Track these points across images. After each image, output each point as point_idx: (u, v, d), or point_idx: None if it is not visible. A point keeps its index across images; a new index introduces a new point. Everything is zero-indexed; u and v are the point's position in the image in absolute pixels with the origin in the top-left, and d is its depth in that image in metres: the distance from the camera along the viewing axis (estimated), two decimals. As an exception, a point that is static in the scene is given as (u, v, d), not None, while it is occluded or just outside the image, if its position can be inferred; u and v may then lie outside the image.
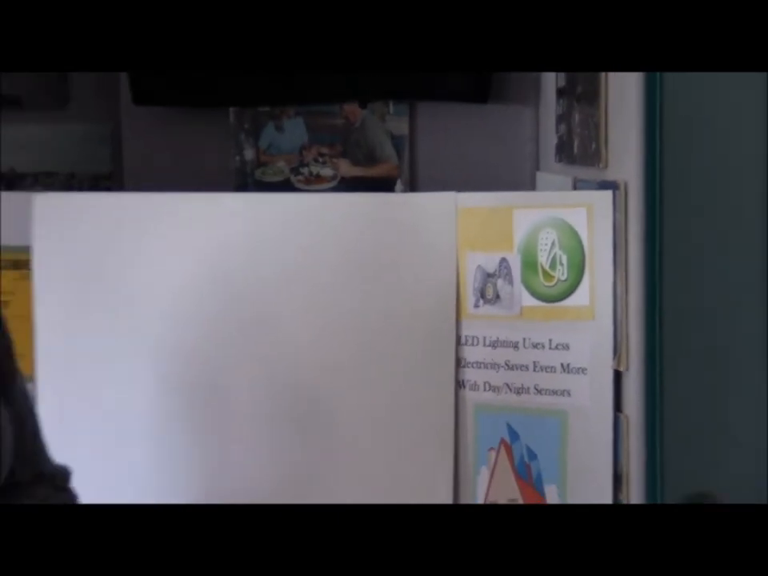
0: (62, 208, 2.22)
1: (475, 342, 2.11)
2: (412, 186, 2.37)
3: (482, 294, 2.09)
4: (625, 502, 1.99)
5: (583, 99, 2.06)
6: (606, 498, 1.99)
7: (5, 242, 2.20)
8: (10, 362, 1.70)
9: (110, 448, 2.17)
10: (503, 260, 2.07)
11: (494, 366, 2.09)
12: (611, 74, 1.97)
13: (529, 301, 2.06)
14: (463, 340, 2.11)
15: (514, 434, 2.09)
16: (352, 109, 2.37)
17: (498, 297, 2.08)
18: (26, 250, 2.19)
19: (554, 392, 2.04)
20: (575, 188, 2.09)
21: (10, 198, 2.27)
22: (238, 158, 2.39)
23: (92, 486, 1.91)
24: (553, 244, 2.03)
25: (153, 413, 2.18)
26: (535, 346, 2.06)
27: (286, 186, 2.38)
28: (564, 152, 2.18)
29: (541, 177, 2.29)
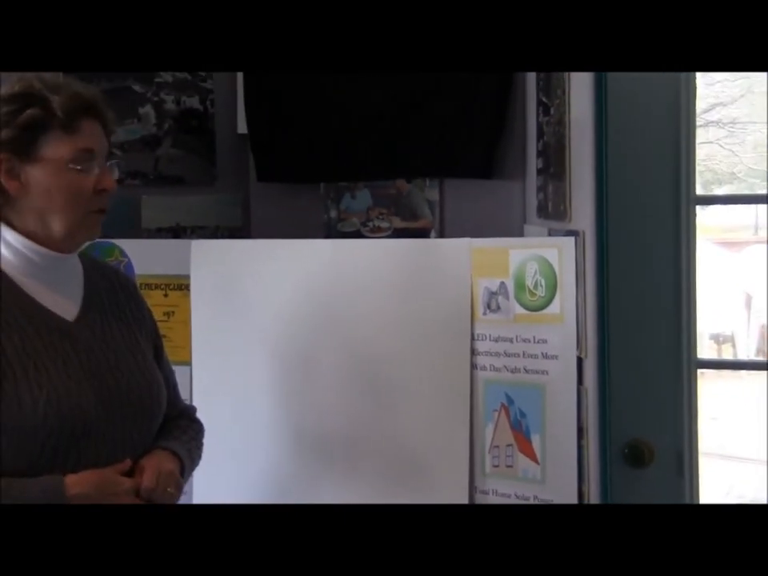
0: (210, 249, 2.24)
1: (484, 338, 2.08)
2: (441, 234, 2.35)
3: (488, 306, 2.07)
4: (585, 446, 1.94)
5: (555, 176, 2.05)
6: (572, 443, 1.97)
7: (173, 272, 2.23)
8: (158, 339, 1.77)
9: (241, 401, 2.19)
10: (502, 283, 2.06)
11: (497, 354, 2.07)
12: (573, 160, 1.94)
13: (519, 310, 2.04)
14: (476, 336, 2.08)
15: (510, 400, 2.06)
16: (401, 183, 2.36)
17: (498, 307, 2.07)
18: (186, 277, 2.22)
19: (537, 371, 2.02)
20: (550, 235, 2.07)
21: (176, 243, 2.34)
22: (325, 216, 2.38)
23: (233, 427, 2.10)
24: (535, 272, 2.02)
25: (269, 382, 2.18)
26: (524, 340, 2.04)
27: (357, 235, 2.37)
28: (542, 211, 2.15)
29: (527, 228, 2.26)
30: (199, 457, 1.79)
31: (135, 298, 1.76)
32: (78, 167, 1.53)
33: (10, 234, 1.56)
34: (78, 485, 1.48)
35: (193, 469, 1.76)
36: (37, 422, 1.46)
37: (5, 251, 1.56)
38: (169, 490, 1.57)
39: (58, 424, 1.48)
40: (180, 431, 1.74)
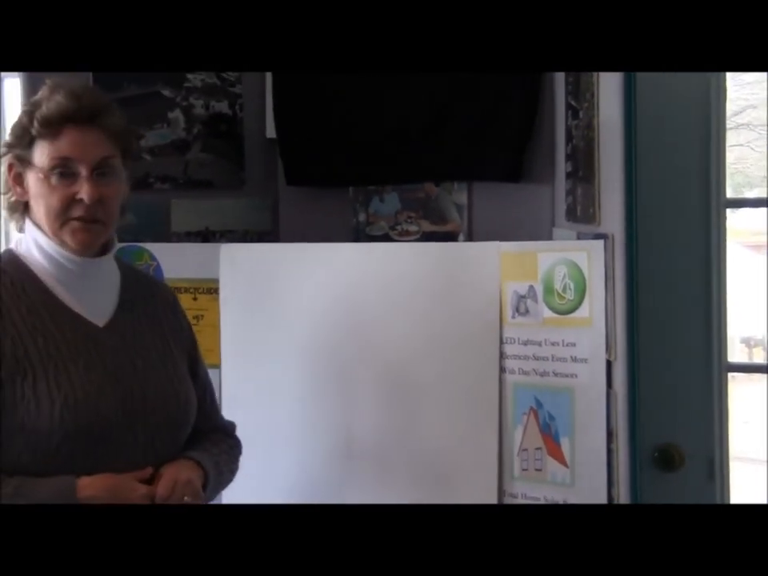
0: (239, 253, 2.23)
1: (512, 341, 2.07)
2: (469, 238, 2.33)
3: (517, 309, 2.06)
4: (614, 450, 1.92)
5: (583, 179, 2.04)
6: (602, 446, 1.95)
7: (202, 275, 2.23)
8: (196, 351, 1.76)
9: (270, 404, 2.18)
10: (531, 287, 2.05)
11: (525, 357, 2.05)
12: (602, 163, 1.93)
13: (548, 314, 2.03)
14: (504, 340, 2.07)
15: (539, 404, 2.05)
16: (430, 187, 2.35)
17: (527, 311, 2.06)
18: (215, 280, 2.22)
19: (566, 375, 2.01)
20: (579, 238, 2.06)
21: (205, 247, 2.33)
22: (354, 219, 2.37)
23: (262, 431, 2.07)
24: (564, 276, 2.01)
25: (297, 387, 2.17)
26: (553, 344, 2.03)
27: (386, 238, 2.36)
28: (571, 215, 2.13)
29: (556, 231, 2.25)
30: (231, 472, 1.75)
31: (173, 308, 1.76)
32: (55, 174, 1.55)
33: (42, 238, 1.58)
34: (91, 487, 1.48)
35: (221, 483, 1.72)
36: (53, 424, 1.47)
37: (37, 254, 1.58)
38: (186, 498, 1.54)
39: (74, 427, 1.48)
40: (211, 444, 1.72)
